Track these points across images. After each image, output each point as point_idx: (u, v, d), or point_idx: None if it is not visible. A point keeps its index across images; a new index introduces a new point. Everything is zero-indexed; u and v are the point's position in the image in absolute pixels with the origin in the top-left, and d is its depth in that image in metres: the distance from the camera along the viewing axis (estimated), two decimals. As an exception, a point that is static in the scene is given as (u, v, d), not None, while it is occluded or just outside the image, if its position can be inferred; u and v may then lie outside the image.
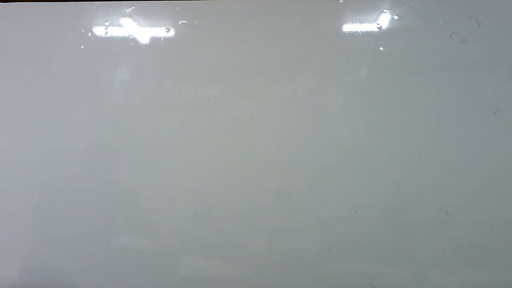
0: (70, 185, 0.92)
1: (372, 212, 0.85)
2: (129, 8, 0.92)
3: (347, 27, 0.88)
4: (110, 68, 0.91)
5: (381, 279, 0.86)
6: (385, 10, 0.87)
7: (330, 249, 0.86)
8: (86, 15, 0.93)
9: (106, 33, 0.92)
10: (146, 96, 0.91)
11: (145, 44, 0.91)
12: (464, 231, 0.84)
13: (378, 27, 0.87)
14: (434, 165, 0.84)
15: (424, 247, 0.84)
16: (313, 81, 0.88)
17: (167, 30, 0.91)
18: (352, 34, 0.87)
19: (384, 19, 0.87)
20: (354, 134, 0.86)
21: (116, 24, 0.92)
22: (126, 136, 0.91)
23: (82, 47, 0.92)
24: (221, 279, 0.89)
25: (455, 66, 0.84)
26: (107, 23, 0.92)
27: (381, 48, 0.86)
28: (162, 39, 0.91)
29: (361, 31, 0.87)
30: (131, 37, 0.92)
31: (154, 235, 0.91)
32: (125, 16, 0.92)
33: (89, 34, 0.92)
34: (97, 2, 0.93)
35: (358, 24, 0.87)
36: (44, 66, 0.93)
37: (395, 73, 0.86)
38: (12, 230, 0.92)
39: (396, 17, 0.87)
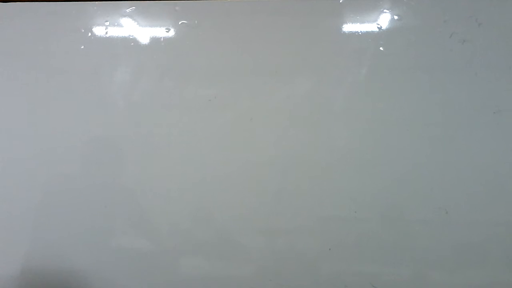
0: (69, 185, 0.92)
1: (372, 212, 0.85)
2: (129, 8, 0.92)
3: (347, 27, 0.88)
4: (110, 68, 0.91)
5: (381, 279, 0.86)
6: (385, 10, 0.87)
7: (330, 249, 0.86)
8: (86, 15, 0.93)
9: (106, 33, 0.92)
10: (146, 96, 0.91)
11: (145, 44, 0.91)
12: (464, 231, 0.84)
13: (378, 27, 0.87)
14: (434, 165, 0.84)
15: (424, 247, 0.84)
16: (313, 81, 0.88)
17: (167, 30, 0.91)
18: (352, 34, 0.87)
19: (384, 19, 0.87)
20: (354, 134, 0.86)
21: (116, 24, 0.92)
22: (126, 136, 0.91)
23: (82, 47, 0.92)
24: (221, 279, 0.89)
25: (455, 66, 0.84)
26: (107, 23, 0.92)
27: (381, 48, 0.86)
28: (162, 39, 0.91)
29: (361, 31, 0.87)
30: (131, 37, 0.92)
31: (154, 235, 0.91)
32: (125, 16, 0.92)
33: (89, 34, 0.92)
34: (97, 2, 0.93)
35: (358, 24, 0.87)
36: (44, 66, 0.92)
37: (395, 73, 0.86)
38: (12, 230, 0.92)
39: (396, 17, 0.87)
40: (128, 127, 0.90)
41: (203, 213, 0.89)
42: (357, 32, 0.87)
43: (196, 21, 0.90)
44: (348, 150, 0.86)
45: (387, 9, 0.87)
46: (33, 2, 0.94)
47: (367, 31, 0.87)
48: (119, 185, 0.91)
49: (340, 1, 0.88)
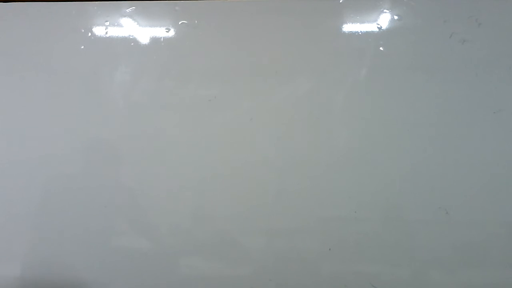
0: (69, 185, 0.91)
1: (372, 212, 0.85)
2: (129, 8, 0.92)
3: (347, 27, 0.88)
4: (110, 68, 0.91)
5: (381, 279, 0.86)
6: (385, 10, 0.87)
7: (330, 249, 0.86)
8: (86, 15, 0.93)
9: (106, 33, 0.92)
10: (146, 96, 0.91)
11: (145, 44, 0.91)
12: (464, 231, 0.84)
13: (378, 27, 0.87)
14: (434, 165, 0.84)
15: (424, 247, 0.84)
16: (313, 81, 0.88)
17: (167, 30, 0.91)
18: (352, 34, 0.87)
19: (384, 19, 0.87)
20: (354, 134, 0.86)
21: (116, 24, 0.92)
22: (126, 136, 0.91)
23: (82, 47, 0.92)
24: (221, 279, 0.89)
25: (455, 66, 0.84)
26: (107, 23, 0.92)
27: (381, 48, 0.86)
28: (162, 39, 0.91)
29: (361, 31, 0.87)
30: (131, 37, 0.92)
31: (154, 235, 0.91)
32: (125, 16, 0.92)
33: (89, 34, 0.92)
34: (97, 2, 0.93)
35: (358, 24, 0.87)
36: (44, 66, 0.92)
37: (395, 73, 0.86)
38: (12, 230, 0.92)
39: (396, 17, 0.87)
40: (128, 127, 0.90)
41: (203, 213, 0.89)
42: (357, 32, 0.87)
43: (196, 21, 0.90)
44: (348, 150, 0.86)
45: (387, 9, 0.87)
46: (33, 2, 0.94)
47: (367, 31, 0.87)
48: (119, 185, 0.91)
49: (340, 1, 0.88)
